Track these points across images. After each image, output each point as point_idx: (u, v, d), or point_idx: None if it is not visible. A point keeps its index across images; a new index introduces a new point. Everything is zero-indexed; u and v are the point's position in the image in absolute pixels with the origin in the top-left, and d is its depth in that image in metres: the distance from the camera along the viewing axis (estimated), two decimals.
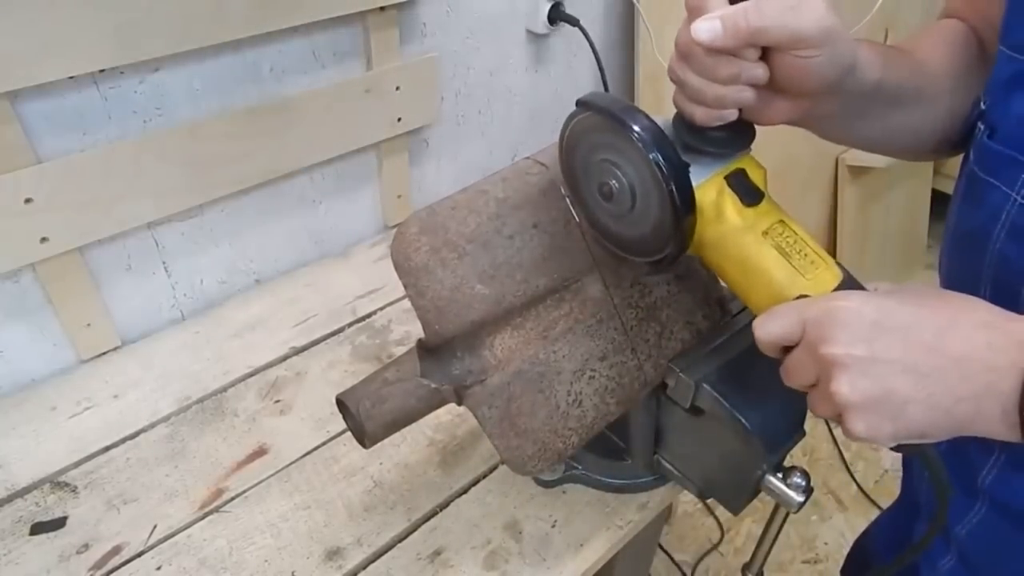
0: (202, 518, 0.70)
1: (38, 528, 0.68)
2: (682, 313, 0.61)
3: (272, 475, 0.74)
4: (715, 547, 1.50)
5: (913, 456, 0.68)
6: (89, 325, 0.85)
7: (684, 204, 0.46)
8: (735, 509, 0.64)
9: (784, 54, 0.44)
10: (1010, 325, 0.39)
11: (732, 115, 0.46)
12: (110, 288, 0.87)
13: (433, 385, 0.57)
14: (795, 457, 1.28)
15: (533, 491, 0.72)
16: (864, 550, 0.86)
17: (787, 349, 0.45)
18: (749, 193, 0.49)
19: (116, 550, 0.67)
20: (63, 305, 0.83)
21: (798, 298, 0.46)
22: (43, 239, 0.76)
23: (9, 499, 0.71)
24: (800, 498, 0.57)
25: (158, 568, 0.65)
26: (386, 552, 0.67)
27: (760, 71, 0.44)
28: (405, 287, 0.57)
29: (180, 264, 0.92)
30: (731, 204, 0.48)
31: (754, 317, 0.47)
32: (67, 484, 0.72)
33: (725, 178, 0.49)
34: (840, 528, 1.56)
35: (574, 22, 1.14)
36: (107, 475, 0.73)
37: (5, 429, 0.78)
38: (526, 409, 0.56)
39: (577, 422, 0.58)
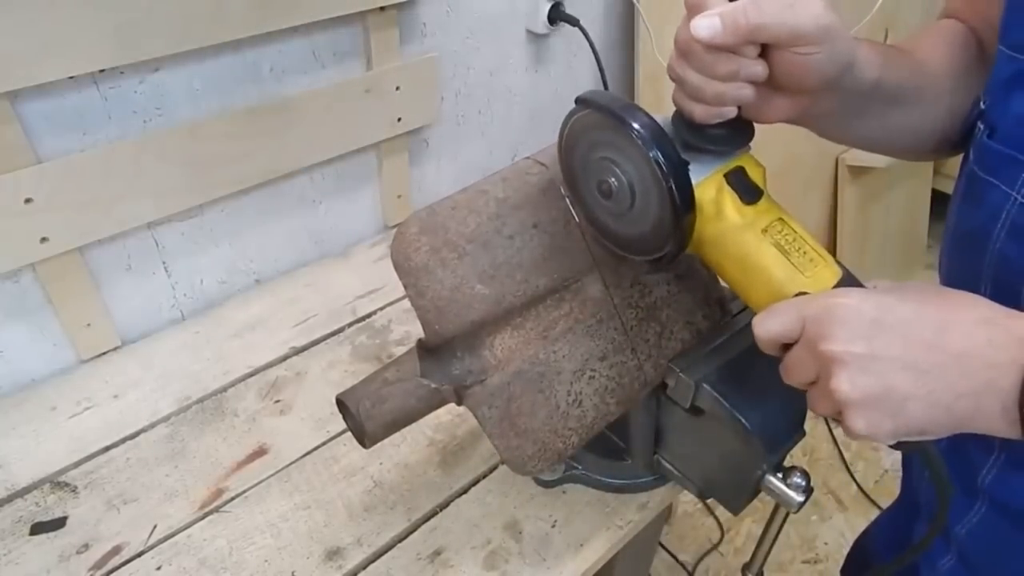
0: (202, 518, 0.70)
1: (38, 528, 0.68)
2: (682, 313, 0.61)
3: (272, 475, 0.74)
4: (715, 547, 1.50)
5: (913, 454, 0.68)
6: (89, 325, 0.85)
7: (683, 202, 0.46)
8: (735, 509, 0.63)
9: (783, 51, 0.44)
10: (1010, 322, 0.39)
11: (731, 113, 0.46)
12: (110, 288, 0.87)
13: (433, 385, 0.57)
14: (795, 457, 1.28)
15: (533, 491, 0.72)
16: (864, 550, 0.86)
17: (786, 347, 0.45)
18: (748, 191, 0.49)
19: (116, 550, 0.67)
20: (63, 305, 0.83)
21: (797, 295, 0.46)
22: (43, 239, 0.76)
23: (9, 499, 0.71)
24: (800, 498, 0.57)
25: (158, 568, 0.65)
26: (386, 552, 0.67)
27: (759, 68, 0.44)
28: (405, 287, 0.57)
29: (180, 264, 0.92)
30: (730, 202, 0.48)
31: (754, 316, 0.47)
32: (67, 484, 0.72)
33: (724, 176, 0.49)
34: (840, 528, 1.56)
35: (574, 22, 1.14)
36: (107, 475, 0.73)
37: (5, 429, 0.78)
38: (526, 409, 0.56)
39: (577, 422, 0.58)
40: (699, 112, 0.46)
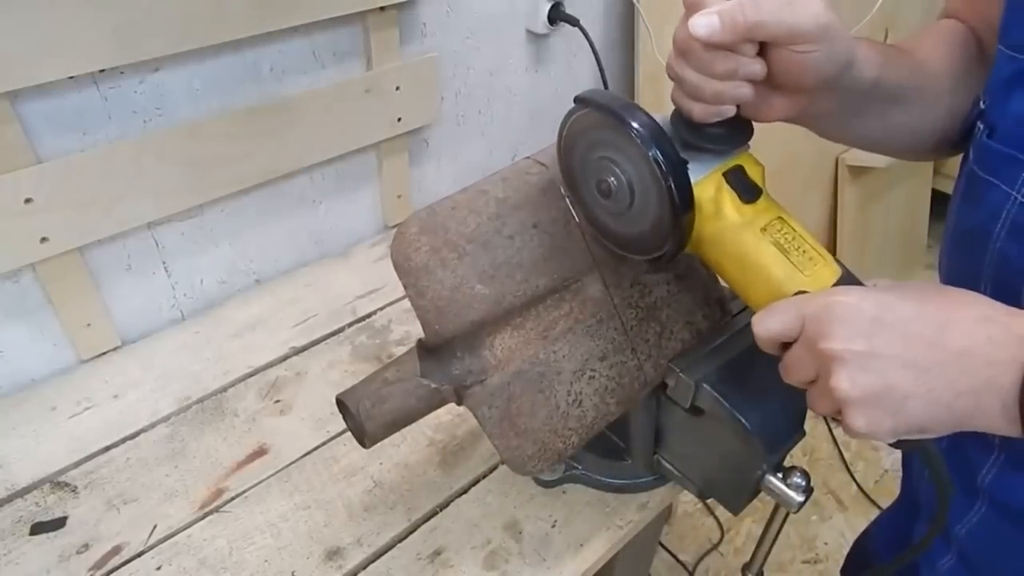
0: (202, 518, 0.70)
1: (38, 528, 0.68)
2: (682, 313, 0.61)
3: (272, 475, 0.74)
4: (715, 547, 1.50)
5: (913, 452, 0.68)
6: (89, 325, 0.85)
7: (683, 201, 0.46)
8: (735, 509, 0.63)
9: (781, 49, 0.44)
10: (1010, 319, 0.39)
11: (730, 111, 0.46)
12: (110, 288, 0.87)
13: (433, 385, 0.57)
14: (795, 457, 1.29)
15: (533, 491, 0.72)
16: (864, 550, 0.86)
17: (786, 346, 0.45)
18: (747, 190, 0.49)
19: (116, 550, 0.67)
20: (63, 305, 0.83)
21: (797, 294, 0.46)
22: (43, 239, 0.76)
23: (9, 499, 0.71)
24: (800, 498, 0.57)
25: (158, 568, 0.65)
26: (386, 552, 0.67)
27: (758, 67, 0.44)
28: (405, 287, 0.57)
29: (180, 264, 0.92)
30: (729, 201, 0.48)
31: (753, 315, 0.47)
32: (67, 484, 0.72)
33: (723, 175, 0.49)
34: (840, 528, 1.56)
35: (574, 22, 1.14)
36: (107, 475, 0.73)
37: (5, 429, 0.78)
38: (526, 409, 0.56)
39: (577, 422, 0.58)
40: (698, 111, 0.46)
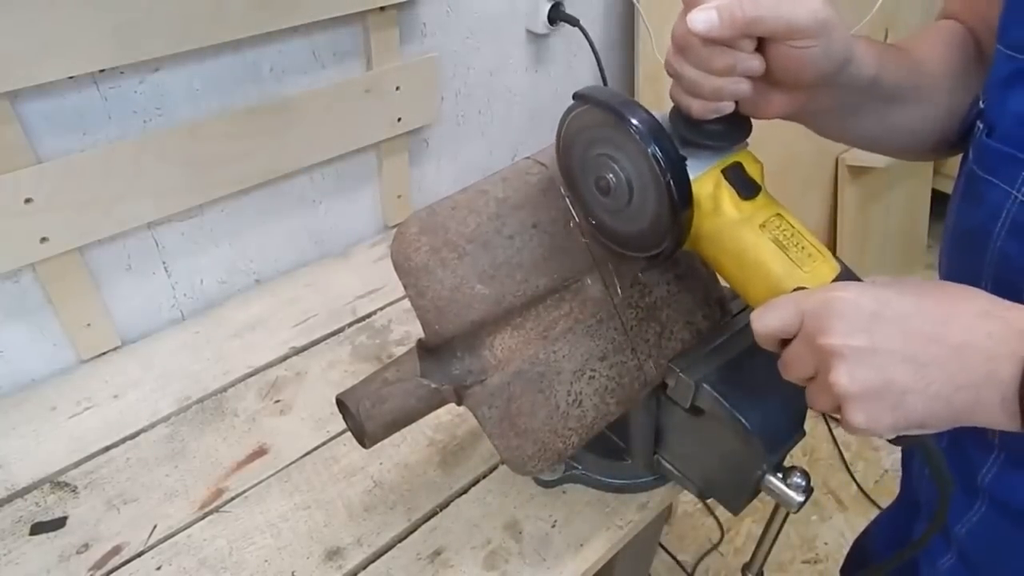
0: (202, 518, 0.70)
1: (38, 528, 0.68)
2: (682, 313, 0.61)
3: (272, 475, 0.74)
4: (715, 547, 1.50)
5: (913, 448, 0.68)
6: (89, 325, 0.85)
7: (681, 198, 0.46)
8: (735, 509, 0.63)
9: (780, 45, 0.44)
10: (1009, 314, 0.39)
11: (728, 108, 0.46)
12: (110, 288, 0.87)
13: (433, 385, 0.57)
14: (795, 457, 1.29)
15: (533, 491, 0.72)
16: (864, 550, 0.86)
17: (785, 342, 0.44)
18: (746, 186, 0.49)
19: (116, 550, 0.67)
20: (63, 305, 0.83)
21: (795, 290, 0.46)
22: (43, 239, 0.76)
23: (9, 499, 0.71)
24: (800, 498, 0.57)
25: (158, 568, 0.65)
26: (386, 552, 0.67)
27: (756, 62, 0.44)
28: (405, 287, 0.56)
29: (180, 264, 0.92)
30: (728, 197, 0.48)
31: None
32: (67, 484, 0.72)
33: (722, 171, 0.49)
34: (840, 528, 1.56)
35: (574, 22, 1.14)
36: (107, 475, 0.73)
37: (5, 429, 0.78)
38: (526, 409, 0.56)
39: (577, 422, 0.58)
40: (696, 107, 0.46)
